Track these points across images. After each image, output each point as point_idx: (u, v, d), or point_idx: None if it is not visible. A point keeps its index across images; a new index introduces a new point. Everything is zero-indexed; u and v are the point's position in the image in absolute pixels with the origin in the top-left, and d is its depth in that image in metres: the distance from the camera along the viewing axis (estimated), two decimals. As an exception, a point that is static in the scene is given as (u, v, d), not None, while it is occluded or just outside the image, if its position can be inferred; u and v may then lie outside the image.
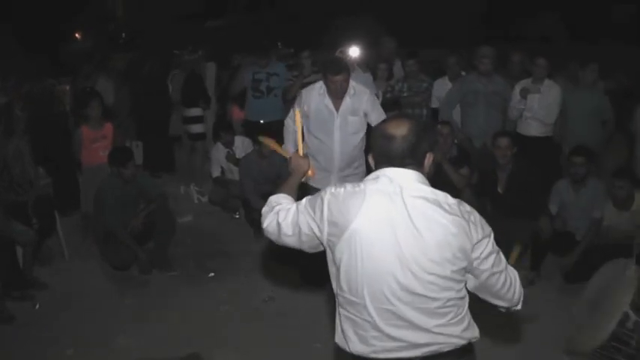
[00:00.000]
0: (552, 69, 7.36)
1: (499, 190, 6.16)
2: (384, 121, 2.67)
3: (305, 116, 5.27)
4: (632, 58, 10.54)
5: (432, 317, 2.39)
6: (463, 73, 7.44)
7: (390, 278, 2.36)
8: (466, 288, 2.49)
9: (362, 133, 5.36)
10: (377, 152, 2.57)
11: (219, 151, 7.68)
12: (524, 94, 6.79)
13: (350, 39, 7.89)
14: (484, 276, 2.45)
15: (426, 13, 17.28)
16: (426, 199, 2.39)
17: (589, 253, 5.72)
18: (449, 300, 2.40)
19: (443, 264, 2.34)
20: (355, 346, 2.48)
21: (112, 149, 6.54)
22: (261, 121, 7.89)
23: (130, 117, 9.16)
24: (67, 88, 9.25)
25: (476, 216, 2.44)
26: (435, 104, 7.54)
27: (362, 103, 5.29)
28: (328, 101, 5.26)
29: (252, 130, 7.77)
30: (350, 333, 2.49)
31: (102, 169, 6.72)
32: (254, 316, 5.36)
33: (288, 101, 7.96)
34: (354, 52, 7.60)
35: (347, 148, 5.35)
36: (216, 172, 7.71)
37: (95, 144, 7.00)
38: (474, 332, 2.51)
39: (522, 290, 2.65)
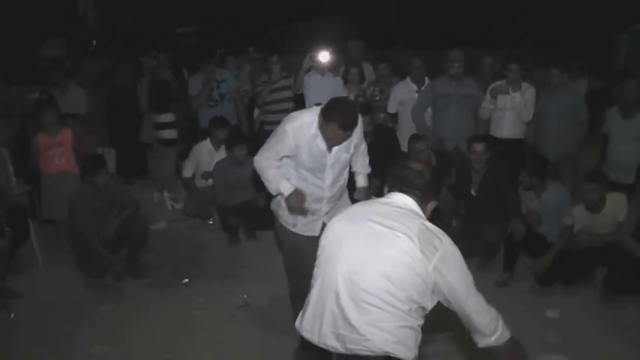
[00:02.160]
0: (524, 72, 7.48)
1: (472, 192, 6.23)
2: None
3: (293, 156, 4.50)
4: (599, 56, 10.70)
5: (364, 314, 2.63)
6: (426, 79, 7.47)
7: (344, 267, 2.70)
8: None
9: (348, 168, 4.79)
10: (392, 177, 2.93)
11: (202, 149, 7.54)
12: (494, 94, 6.89)
13: (319, 42, 7.90)
14: (446, 288, 2.66)
15: (396, 15, 17.42)
16: (394, 205, 2.82)
17: (561, 256, 5.80)
18: (388, 303, 2.61)
19: (391, 264, 2.61)
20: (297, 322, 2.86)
21: (85, 157, 6.50)
22: None
23: (104, 124, 9.13)
24: (37, 96, 9.19)
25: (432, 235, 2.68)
26: (393, 109, 7.56)
27: (354, 137, 4.50)
28: (321, 141, 4.36)
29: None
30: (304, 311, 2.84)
31: (59, 177, 6.79)
32: (229, 322, 5.37)
33: (259, 107, 7.99)
34: (324, 56, 7.60)
35: (336, 186, 4.69)
36: (188, 173, 7.58)
37: (50, 151, 6.91)
38: (399, 351, 2.63)
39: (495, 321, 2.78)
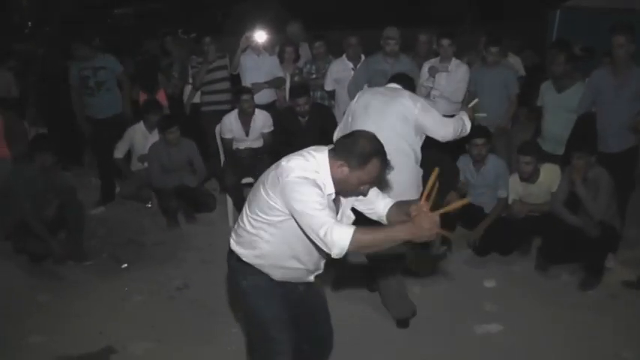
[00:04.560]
0: (461, 48, 7.54)
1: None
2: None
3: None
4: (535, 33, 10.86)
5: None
6: (362, 56, 7.48)
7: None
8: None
9: None
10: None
11: (136, 132, 7.43)
12: (433, 72, 6.93)
13: (255, 23, 7.86)
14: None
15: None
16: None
17: (497, 226, 5.91)
18: (246, 214, 3.23)
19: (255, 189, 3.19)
20: None
21: (33, 137, 6.39)
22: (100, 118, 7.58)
23: (37, 107, 8.90)
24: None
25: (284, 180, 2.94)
26: (330, 87, 7.52)
27: None
28: None
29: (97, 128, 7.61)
30: None
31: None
32: (168, 305, 5.35)
33: (197, 88, 7.89)
34: (260, 36, 7.59)
35: None
36: (119, 154, 7.43)
37: None
38: (239, 250, 3.27)
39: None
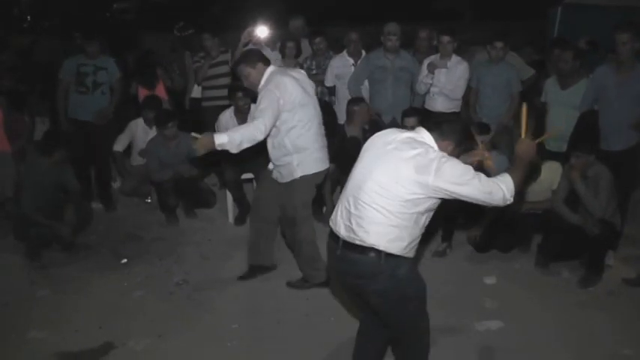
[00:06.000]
0: (466, 45, 7.51)
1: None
2: None
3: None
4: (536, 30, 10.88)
5: (361, 211, 3.34)
6: (363, 52, 7.48)
7: (357, 176, 3.43)
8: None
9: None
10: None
11: (137, 127, 7.40)
12: (432, 68, 6.92)
13: (257, 18, 7.84)
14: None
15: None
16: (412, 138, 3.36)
17: (498, 223, 5.90)
18: (380, 206, 3.28)
19: (387, 176, 3.26)
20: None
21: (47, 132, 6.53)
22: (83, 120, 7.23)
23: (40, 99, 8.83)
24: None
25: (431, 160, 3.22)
26: (330, 83, 7.50)
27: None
28: None
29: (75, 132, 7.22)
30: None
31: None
32: (168, 300, 5.34)
33: (199, 83, 7.88)
34: (263, 31, 7.58)
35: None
36: (118, 147, 7.33)
37: None
38: (389, 248, 3.31)
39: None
